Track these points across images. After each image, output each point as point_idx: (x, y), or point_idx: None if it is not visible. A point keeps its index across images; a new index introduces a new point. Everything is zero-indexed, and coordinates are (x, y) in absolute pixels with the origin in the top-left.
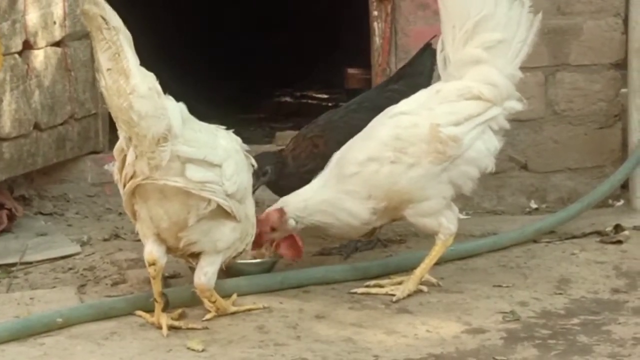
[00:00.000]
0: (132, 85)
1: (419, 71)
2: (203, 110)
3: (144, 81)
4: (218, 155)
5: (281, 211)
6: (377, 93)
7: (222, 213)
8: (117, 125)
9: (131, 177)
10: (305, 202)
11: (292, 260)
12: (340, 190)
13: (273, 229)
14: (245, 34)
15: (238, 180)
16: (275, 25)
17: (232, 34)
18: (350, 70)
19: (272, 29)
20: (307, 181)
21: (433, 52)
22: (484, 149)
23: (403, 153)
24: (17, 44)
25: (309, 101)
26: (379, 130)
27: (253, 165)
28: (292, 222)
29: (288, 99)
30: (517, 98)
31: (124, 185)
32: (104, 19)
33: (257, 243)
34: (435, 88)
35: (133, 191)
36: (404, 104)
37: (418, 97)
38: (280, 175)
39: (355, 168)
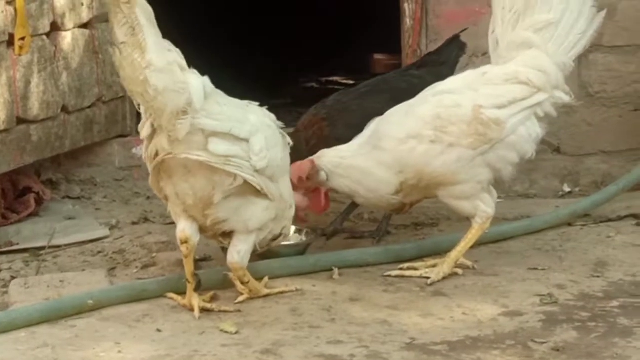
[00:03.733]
0: (148, 60)
1: (443, 60)
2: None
3: (162, 56)
4: (245, 129)
5: (312, 162)
6: (395, 77)
7: (252, 191)
8: (133, 100)
9: (155, 154)
10: (341, 159)
11: (315, 213)
12: (372, 159)
13: (301, 179)
14: (269, 17)
15: (268, 156)
16: (300, 9)
17: (256, 17)
18: (377, 56)
19: (297, 12)
20: None
21: (460, 44)
22: (525, 134)
23: (443, 132)
24: (45, 26)
25: (335, 87)
26: (420, 107)
27: (289, 144)
28: (323, 175)
29: (314, 84)
30: (565, 90)
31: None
32: None
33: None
34: (483, 70)
35: (159, 168)
36: (449, 83)
37: (464, 77)
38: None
39: (393, 144)
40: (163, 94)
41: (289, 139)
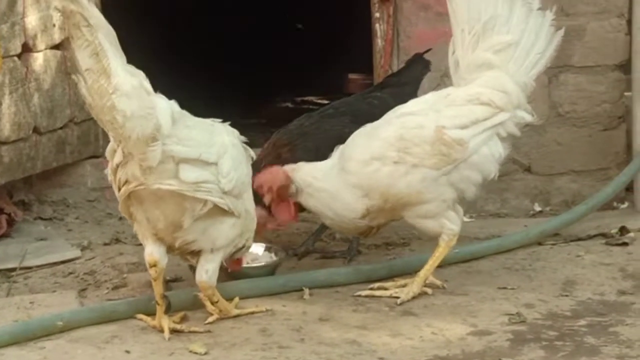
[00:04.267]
0: (114, 85)
1: (405, 81)
2: (201, 113)
3: (128, 80)
4: (214, 152)
5: (286, 175)
6: (357, 99)
7: (219, 210)
8: (102, 126)
9: (125, 182)
10: (313, 179)
11: (282, 223)
12: (339, 182)
13: (271, 189)
14: (245, 38)
15: (235, 176)
16: (276, 29)
17: (232, 38)
18: (352, 75)
19: (272, 32)
20: None
21: (424, 62)
22: (488, 154)
23: (406, 153)
24: (16, 47)
25: (310, 107)
26: (383, 129)
27: (252, 158)
28: (293, 188)
29: (289, 104)
30: (527, 110)
31: (119, 189)
32: (82, 16)
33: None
34: (446, 92)
35: (129, 194)
36: (412, 105)
37: (427, 99)
38: None
39: (357, 166)
40: (131, 120)
41: (251, 152)
